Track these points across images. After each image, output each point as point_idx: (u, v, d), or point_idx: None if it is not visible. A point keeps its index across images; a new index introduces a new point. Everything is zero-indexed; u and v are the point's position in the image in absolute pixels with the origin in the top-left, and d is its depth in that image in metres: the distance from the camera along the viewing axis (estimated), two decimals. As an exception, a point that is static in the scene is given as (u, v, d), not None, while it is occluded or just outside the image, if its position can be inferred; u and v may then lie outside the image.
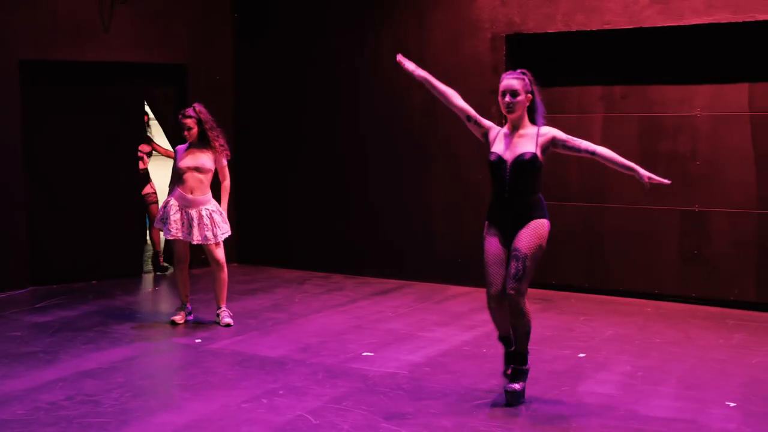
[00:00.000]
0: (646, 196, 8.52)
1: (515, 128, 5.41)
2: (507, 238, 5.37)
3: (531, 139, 5.35)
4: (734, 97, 8.19)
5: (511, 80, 5.38)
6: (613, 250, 8.74)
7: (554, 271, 8.88)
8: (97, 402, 5.42)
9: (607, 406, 5.39)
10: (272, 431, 4.96)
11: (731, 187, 8.24)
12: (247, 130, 10.63)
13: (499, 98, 5.38)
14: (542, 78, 8.98)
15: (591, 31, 8.51)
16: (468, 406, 5.39)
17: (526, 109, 5.40)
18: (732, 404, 5.41)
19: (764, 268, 8.15)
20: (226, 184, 7.53)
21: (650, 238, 8.62)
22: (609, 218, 8.79)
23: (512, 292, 5.25)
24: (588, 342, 6.99)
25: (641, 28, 8.27)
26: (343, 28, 9.91)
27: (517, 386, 5.39)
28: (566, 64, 8.96)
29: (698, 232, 8.41)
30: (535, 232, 5.29)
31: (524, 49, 9.02)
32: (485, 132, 5.59)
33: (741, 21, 7.82)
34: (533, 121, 5.44)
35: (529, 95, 5.41)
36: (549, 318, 7.83)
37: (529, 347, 5.41)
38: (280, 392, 5.65)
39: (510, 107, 5.35)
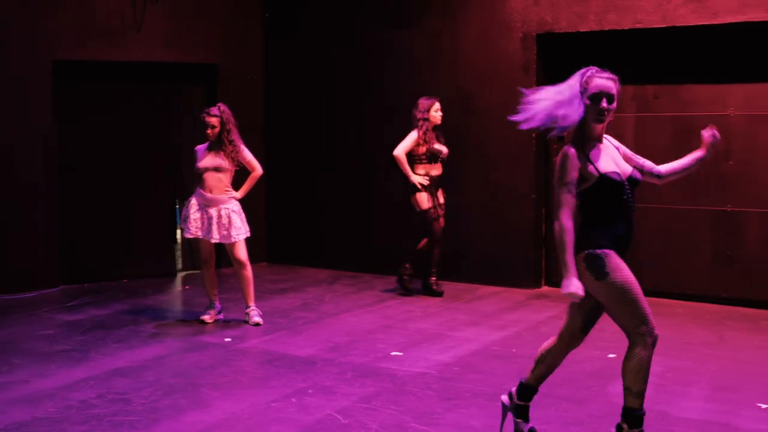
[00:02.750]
0: (680, 196, 8.46)
1: (599, 140, 4.44)
2: None
3: (617, 153, 4.51)
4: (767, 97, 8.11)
5: (607, 81, 4.41)
6: (647, 250, 8.66)
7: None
8: (127, 400, 5.46)
9: (638, 407, 5.33)
10: (301, 430, 4.97)
11: (764, 188, 8.15)
12: (278, 129, 10.67)
13: (587, 101, 4.33)
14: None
15: (623, 30, 8.45)
16: (497, 406, 5.36)
17: None
18: (764, 406, 5.35)
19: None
20: (255, 174, 7.58)
21: (683, 238, 8.54)
22: (642, 219, 8.69)
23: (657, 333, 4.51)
24: (619, 343, 6.90)
25: (674, 27, 8.20)
26: (374, 28, 9.91)
27: None
28: (598, 64, 8.86)
29: (731, 232, 8.33)
30: None
31: (556, 49, 8.99)
32: (578, 157, 4.34)
33: (776, 19, 7.74)
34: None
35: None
36: (579, 319, 7.78)
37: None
38: (310, 391, 5.66)
39: (605, 115, 4.34)
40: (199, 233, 7.40)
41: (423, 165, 8.48)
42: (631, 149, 4.83)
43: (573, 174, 4.28)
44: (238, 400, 5.51)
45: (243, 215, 7.51)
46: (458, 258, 9.46)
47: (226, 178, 7.44)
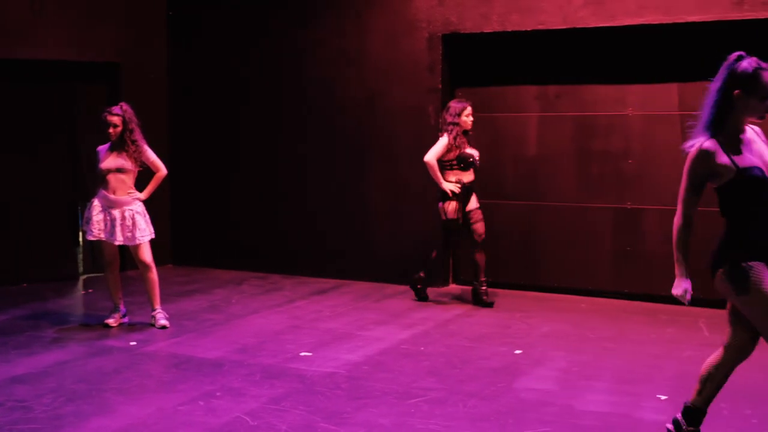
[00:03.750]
0: (581, 194, 8.67)
1: (742, 131, 4.18)
2: None
3: (764, 146, 4.20)
4: (665, 97, 8.35)
5: None
6: (549, 247, 8.85)
7: (491, 269, 8.94)
8: (27, 408, 5.30)
9: (544, 401, 5.45)
10: (209, 433, 4.92)
11: (662, 185, 8.40)
12: (183, 129, 10.52)
13: (755, 100, 4.08)
14: (478, 77, 9.17)
15: (526, 32, 8.60)
16: (407, 404, 5.40)
17: None
18: (664, 397, 5.51)
19: (694, 263, 8.28)
20: (159, 174, 7.46)
21: (585, 235, 8.74)
22: (544, 216, 8.89)
23: None
24: (525, 339, 7.06)
25: (575, 29, 8.39)
26: (280, 27, 9.86)
27: None
28: (502, 64, 9.05)
29: (631, 229, 8.56)
30: None
31: (461, 49, 9.10)
32: (713, 150, 4.14)
33: (671, 22, 7.98)
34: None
35: None
36: (486, 315, 7.90)
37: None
38: (218, 394, 5.60)
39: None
40: (102, 235, 7.26)
41: (454, 171, 8.09)
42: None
43: (702, 168, 4.13)
44: (144, 404, 5.41)
45: (147, 216, 7.39)
46: (366, 257, 9.49)
47: (129, 179, 7.32)
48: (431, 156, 8.02)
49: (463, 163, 8.07)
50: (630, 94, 8.51)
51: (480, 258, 8.21)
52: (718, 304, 8.09)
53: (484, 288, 8.26)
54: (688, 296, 4.16)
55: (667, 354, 6.58)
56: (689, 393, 4.66)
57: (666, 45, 8.31)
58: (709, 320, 7.67)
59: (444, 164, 8.08)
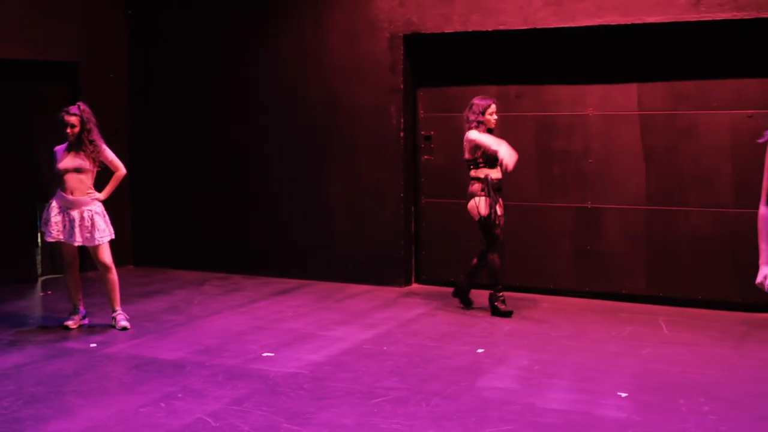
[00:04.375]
0: (542, 194, 8.73)
1: None
2: None
3: None
4: (624, 97, 8.44)
5: None
6: (510, 247, 8.88)
7: (452, 268, 8.99)
8: (-14, 411, 5.24)
9: (506, 400, 5.48)
10: (171, 435, 4.88)
11: (621, 184, 8.49)
12: (143, 129, 10.43)
13: None
14: (440, 77, 9.20)
15: (487, 32, 8.64)
16: (369, 404, 5.41)
17: None
18: (624, 395, 5.57)
19: (653, 262, 8.42)
20: (119, 174, 7.40)
21: (546, 234, 8.80)
22: (506, 216, 8.92)
23: None
24: (487, 338, 7.10)
25: (535, 29, 8.44)
26: (241, 27, 9.82)
27: None
28: (463, 64, 9.09)
29: (591, 228, 8.64)
30: None
31: (423, 49, 9.12)
32: None
33: (630, 23, 8.06)
34: None
35: None
36: (447, 315, 7.92)
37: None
38: (179, 395, 5.56)
39: None
40: (61, 236, 7.18)
41: (481, 169, 7.75)
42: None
43: None
44: (104, 406, 5.36)
45: (107, 217, 7.32)
46: (328, 257, 9.48)
47: (87, 179, 7.24)
48: (475, 134, 7.68)
49: (490, 160, 7.75)
50: (590, 94, 8.58)
51: (498, 263, 7.89)
52: (678, 303, 8.22)
53: (501, 295, 7.95)
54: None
55: (627, 352, 6.64)
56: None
57: (625, 45, 8.39)
58: (669, 318, 7.77)
59: (470, 162, 7.82)
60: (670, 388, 5.70)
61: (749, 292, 8.04)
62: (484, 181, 7.75)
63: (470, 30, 8.68)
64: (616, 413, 5.23)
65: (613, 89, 8.48)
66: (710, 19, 7.78)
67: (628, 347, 6.77)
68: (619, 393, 5.61)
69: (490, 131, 7.81)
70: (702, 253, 8.20)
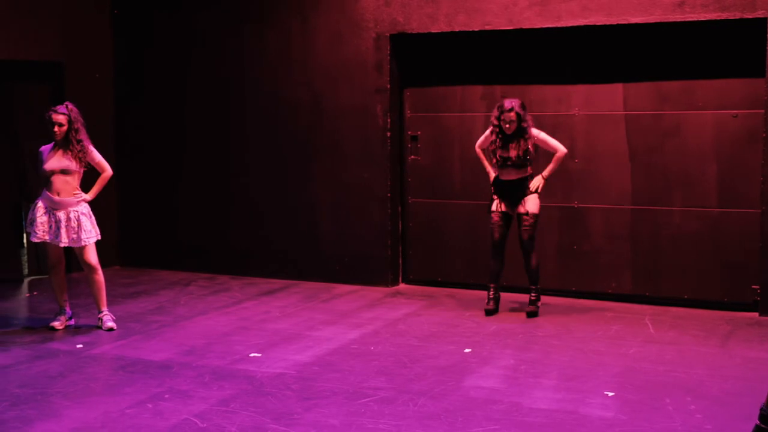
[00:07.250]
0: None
1: None
2: None
3: None
4: (609, 97, 8.47)
5: None
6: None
7: (439, 267, 9.00)
8: (-29, 413, 5.22)
9: (492, 399, 5.49)
10: (157, 436, 4.87)
11: (607, 184, 8.52)
12: (129, 129, 10.40)
13: None
14: (426, 77, 9.21)
15: (472, 32, 8.66)
16: (356, 404, 5.41)
17: None
18: (610, 394, 5.59)
19: (638, 261, 8.46)
20: (105, 175, 7.38)
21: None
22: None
23: None
24: (473, 337, 7.11)
25: (521, 30, 8.47)
26: (227, 28, 9.80)
27: None
28: (449, 64, 9.10)
29: (577, 227, 8.66)
30: None
31: (408, 49, 9.12)
32: None
33: (615, 23, 8.10)
34: None
35: None
36: (434, 314, 7.94)
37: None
38: (166, 396, 5.55)
39: None
40: (47, 237, 7.15)
41: (494, 169, 7.92)
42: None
43: None
44: (90, 408, 5.35)
45: (93, 218, 7.30)
46: (315, 257, 9.48)
47: (74, 180, 7.22)
48: (477, 143, 8.01)
49: (501, 161, 7.78)
50: (575, 94, 8.61)
51: (526, 264, 7.96)
52: (663, 302, 8.26)
53: (533, 296, 8.00)
54: None
55: (613, 351, 6.67)
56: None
57: (610, 46, 8.42)
58: (654, 317, 7.80)
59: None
60: (656, 386, 5.73)
61: (734, 292, 8.12)
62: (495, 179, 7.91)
63: (456, 30, 8.69)
64: (602, 412, 5.25)
65: (599, 89, 8.51)
66: (695, 19, 7.82)
67: (614, 346, 6.80)
68: (605, 392, 5.63)
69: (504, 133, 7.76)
70: (687, 253, 8.24)
